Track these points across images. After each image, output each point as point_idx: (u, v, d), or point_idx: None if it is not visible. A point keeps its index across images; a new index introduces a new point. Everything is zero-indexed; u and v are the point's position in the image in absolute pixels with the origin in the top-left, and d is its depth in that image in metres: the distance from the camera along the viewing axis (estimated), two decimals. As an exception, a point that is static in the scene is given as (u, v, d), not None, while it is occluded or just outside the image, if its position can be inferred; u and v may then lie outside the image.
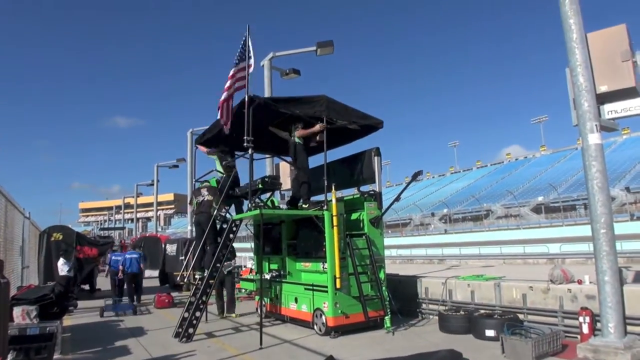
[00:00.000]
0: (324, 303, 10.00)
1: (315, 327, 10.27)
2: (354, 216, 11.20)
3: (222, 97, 10.77)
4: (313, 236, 11.01)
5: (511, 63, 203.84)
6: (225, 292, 13.37)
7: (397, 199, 11.16)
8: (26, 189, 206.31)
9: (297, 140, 11.31)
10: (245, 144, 10.05)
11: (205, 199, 11.95)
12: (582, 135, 7.50)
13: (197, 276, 11.25)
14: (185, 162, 30.22)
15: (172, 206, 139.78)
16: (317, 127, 10.85)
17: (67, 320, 12.25)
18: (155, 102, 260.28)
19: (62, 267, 15.22)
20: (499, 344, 7.76)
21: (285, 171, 14.47)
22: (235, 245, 11.76)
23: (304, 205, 10.96)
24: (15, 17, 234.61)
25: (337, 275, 9.78)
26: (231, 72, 10.82)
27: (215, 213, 11.73)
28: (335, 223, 10.00)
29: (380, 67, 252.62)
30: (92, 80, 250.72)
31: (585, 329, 7.67)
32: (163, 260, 23.74)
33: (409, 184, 12.36)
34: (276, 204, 12.60)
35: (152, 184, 42.74)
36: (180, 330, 10.02)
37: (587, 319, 7.68)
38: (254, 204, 10.71)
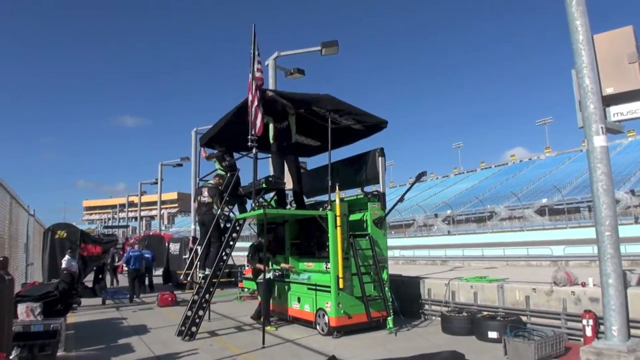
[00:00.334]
0: (327, 303, 10.01)
1: (317, 327, 10.27)
2: (358, 216, 11.19)
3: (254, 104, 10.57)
4: (316, 236, 11.01)
5: (516, 64, 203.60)
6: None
7: (401, 199, 11.16)
8: (31, 186, 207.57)
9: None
10: (249, 144, 10.05)
11: (206, 201, 11.90)
12: (587, 137, 7.47)
13: (200, 275, 11.25)
14: (189, 161, 30.32)
15: (176, 205, 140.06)
16: None
17: (71, 318, 12.29)
18: (160, 102, 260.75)
19: (65, 263, 15.27)
20: (502, 346, 7.75)
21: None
22: (238, 244, 11.75)
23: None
24: (19, 17, 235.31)
25: (340, 275, 9.79)
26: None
27: (219, 212, 11.73)
28: (338, 223, 10.00)
29: (384, 68, 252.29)
30: (97, 79, 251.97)
31: (589, 331, 7.65)
32: (167, 258, 23.82)
33: (413, 184, 12.37)
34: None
35: (156, 183, 42.82)
36: (183, 328, 10.04)
37: (591, 321, 7.66)
38: (257, 204, 10.72)
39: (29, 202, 14.49)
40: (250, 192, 11.04)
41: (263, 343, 9.02)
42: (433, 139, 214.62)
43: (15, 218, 12.04)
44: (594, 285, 8.44)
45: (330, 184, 10.45)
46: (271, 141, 11.45)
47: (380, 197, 11.22)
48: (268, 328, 11.13)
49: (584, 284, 8.75)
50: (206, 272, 11.14)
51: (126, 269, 20.31)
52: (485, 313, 9.74)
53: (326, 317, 9.97)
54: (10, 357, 6.16)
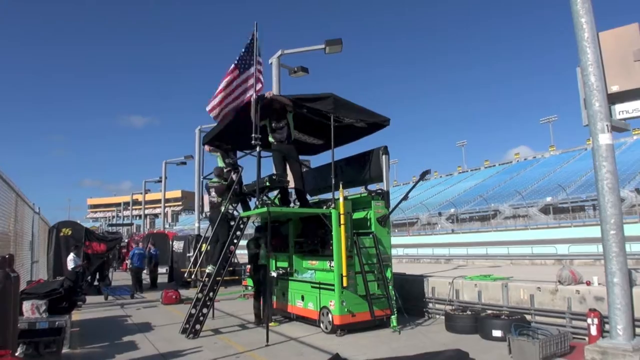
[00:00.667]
0: (331, 301, 10.01)
1: (321, 325, 10.27)
2: (361, 215, 11.19)
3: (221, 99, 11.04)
4: (320, 234, 11.01)
5: (520, 62, 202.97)
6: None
7: (405, 197, 11.15)
8: (36, 184, 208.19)
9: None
10: (253, 142, 10.06)
11: (215, 200, 12.00)
12: (592, 136, 7.43)
13: (208, 270, 11.23)
14: (193, 159, 30.33)
15: (180, 203, 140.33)
16: None
17: (76, 315, 12.31)
18: (165, 100, 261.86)
19: (69, 262, 15.36)
20: (506, 345, 7.73)
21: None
22: (242, 242, 11.77)
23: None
24: (25, 17, 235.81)
25: (344, 273, 9.79)
26: (241, 77, 11.01)
27: (223, 210, 11.75)
28: (342, 221, 10.00)
29: (388, 66, 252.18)
30: (102, 77, 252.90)
31: (594, 330, 7.62)
32: (171, 256, 23.86)
33: (417, 183, 12.34)
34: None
35: (160, 181, 42.90)
36: (187, 326, 10.06)
37: (596, 320, 7.63)
38: (261, 202, 10.72)
39: (34, 200, 14.49)
40: (253, 191, 11.05)
41: (267, 341, 9.03)
42: (437, 137, 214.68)
43: (21, 215, 12.05)
44: (599, 284, 8.42)
45: (334, 182, 10.45)
46: (271, 140, 11.44)
47: (384, 196, 11.21)
48: (271, 324, 11.22)
49: (588, 283, 8.73)
50: (208, 270, 11.19)
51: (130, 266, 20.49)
52: (489, 312, 9.74)
53: (330, 315, 9.97)
54: (16, 354, 6.18)
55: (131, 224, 64.61)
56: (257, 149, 10.27)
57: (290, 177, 11.53)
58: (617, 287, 6.98)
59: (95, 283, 19.61)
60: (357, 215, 11.11)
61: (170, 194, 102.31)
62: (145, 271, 23.22)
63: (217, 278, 10.61)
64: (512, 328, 7.85)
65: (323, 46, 15.93)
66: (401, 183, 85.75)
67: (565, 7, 7.76)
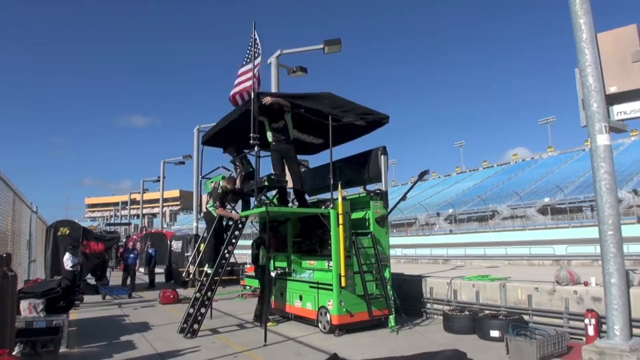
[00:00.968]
0: (329, 301, 10.01)
1: (319, 325, 10.27)
2: (360, 215, 11.19)
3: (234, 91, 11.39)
4: (319, 234, 11.02)
5: (518, 63, 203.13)
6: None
7: (404, 198, 11.15)
8: (35, 183, 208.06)
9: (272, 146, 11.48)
10: (251, 141, 10.06)
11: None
12: (590, 136, 7.45)
13: (208, 270, 11.22)
14: (192, 159, 30.34)
15: (178, 203, 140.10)
16: None
17: (73, 314, 12.30)
18: (165, 100, 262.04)
19: (66, 262, 15.36)
20: (504, 345, 7.73)
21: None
22: (240, 242, 11.76)
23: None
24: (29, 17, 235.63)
25: (342, 273, 9.79)
26: (241, 71, 11.14)
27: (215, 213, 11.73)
28: (341, 221, 10.00)
29: (386, 66, 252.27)
30: (102, 77, 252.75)
31: (591, 330, 7.63)
32: (169, 256, 23.85)
33: (415, 183, 12.36)
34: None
35: (158, 180, 42.89)
36: (185, 326, 10.05)
37: (593, 321, 7.64)
38: (259, 201, 10.72)
39: (33, 199, 14.52)
40: (252, 190, 11.05)
41: (265, 341, 9.03)
42: (435, 137, 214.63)
43: (18, 215, 12.06)
44: (597, 284, 8.43)
45: (332, 182, 10.46)
46: (270, 140, 11.44)
47: (383, 196, 11.22)
48: (269, 324, 11.21)
49: (586, 283, 8.74)
50: (207, 270, 11.19)
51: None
52: (487, 312, 9.75)
53: (328, 315, 9.97)
54: (13, 354, 6.18)
55: (129, 224, 64.53)
56: (256, 148, 10.26)
57: (288, 177, 11.52)
58: (615, 288, 6.99)
59: (93, 282, 19.58)
60: (356, 215, 11.11)
61: (168, 194, 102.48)
62: (143, 271, 23.23)
63: (215, 278, 10.60)
64: (509, 328, 7.86)
65: (322, 46, 15.92)
66: (400, 183, 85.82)
67: (563, 7, 7.78)
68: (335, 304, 9.84)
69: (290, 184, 11.68)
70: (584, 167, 53.27)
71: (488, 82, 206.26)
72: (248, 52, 11.32)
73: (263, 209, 10.07)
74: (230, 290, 17.75)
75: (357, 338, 9.50)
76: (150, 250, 22.95)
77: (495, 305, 10.00)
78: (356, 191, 12.45)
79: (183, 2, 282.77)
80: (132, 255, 19.13)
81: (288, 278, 11.85)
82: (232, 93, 11.71)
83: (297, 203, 11.77)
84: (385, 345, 8.86)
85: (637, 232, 28.13)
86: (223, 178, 12.34)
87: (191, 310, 10.19)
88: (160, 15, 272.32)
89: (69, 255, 15.66)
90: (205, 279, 10.88)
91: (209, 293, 10.43)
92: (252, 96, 10.34)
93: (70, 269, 15.46)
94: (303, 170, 13.82)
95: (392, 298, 10.55)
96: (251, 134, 10.03)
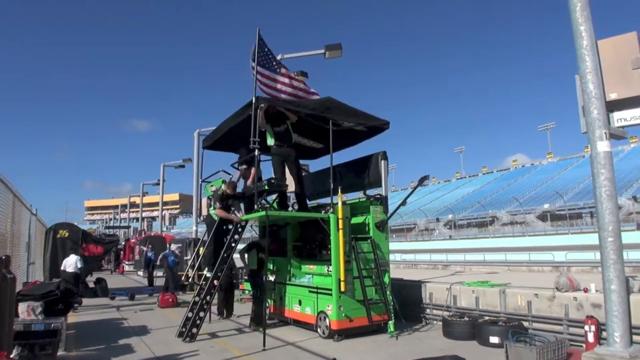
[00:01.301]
0: (328, 306, 9.99)
1: (318, 330, 10.25)
2: (360, 220, 11.18)
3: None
4: (318, 239, 11.01)
5: (518, 69, 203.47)
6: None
7: (403, 203, 11.16)
8: (36, 186, 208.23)
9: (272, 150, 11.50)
10: (251, 145, 10.07)
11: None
12: (590, 143, 7.45)
13: (207, 274, 11.20)
14: (192, 162, 30.33)
15: (178, 206, 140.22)
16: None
17: (72, 317, 12.27)
18: (165, 102, 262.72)
19: (75, 263, 15.28)
20: (503, 351, 7.70)
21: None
22: (240, 246, 11.77)
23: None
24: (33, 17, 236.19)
25: (342, 278, 9.77)
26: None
27: (216, 216, 11.73)
28: (340, 226, 9.99)
29: (387, 72, 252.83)
30: (102, 80, 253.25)
31: (591, 337, 7.62)
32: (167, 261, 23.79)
33: (415, 188, 12.36)
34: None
35: (158, 184, 42.90)
36: (183, 329, 10.02)
37: (593, 327, 7.63)
38: (259, 206, 10.71)
39: (32, 202, 14.50)
40: (252, 194, 11.05)
41: (264, 345, 9.00)
42: (435, 143, 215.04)
43: (18, 217, 12.05)
44: (597, 291, 8.42)
45: (332, 186, 10.45)
46: (271, 144, 11.47)
47: (383, 201, 11.21)
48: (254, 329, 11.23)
49: (586, 290, 8.72)
50: (206, 273, 11.17)
51: None
52: (486, 318, 9.72)
53: (327, 320, 9.95)
54: (11, 356, 6.16)
55: (128, 227, 64.46)
56: (256, 152, 10.27)
57: (289, 181, 11.52)
58: (615, 295, 6.98)
59: (92, 285, 19.55)
60: (356, 220, 11.10)
61: (168, 197, 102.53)
62: (142, 274, 23.24)
63: (215, 282, 10.58)
64: (509, 334, 7.84)
65: (323, 51, 15.97)
66: (399, 188, 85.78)
67: (563, 13, 7.82)
68: (334, 308, 9.82)
69: (291, 188, 11.68)
70: (583, 174, 53.33)
71: (488, 87, 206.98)
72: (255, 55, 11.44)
73: (263, 212, 10.07)
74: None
75: (356, 343, 9.47)
76: (149, 254, 22.94)
77: (495, 312, 9.98)
78: (356, 196, 12.43)
79: (184, 4, 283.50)
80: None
81: (287, 282, 11.84)
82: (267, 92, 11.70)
83: (297, 207, 11.79)
84: (384, 350, 8.85)
85: (637, 239, 28.11)
86: (223, 182, 12.34)
87: (190, 314, 10.17)
88: (161, 17, 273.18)
89: (76, 257, 15.57)
90: (204, 282, 10.86)
91: (208, 297, 10.41)
92: (253, 101, 10.34)
93: (77, 271, 15.38)
94: (303, 174, 13.83)
95: (392, 303, 10.53)
96: (251, 138, 10.03)
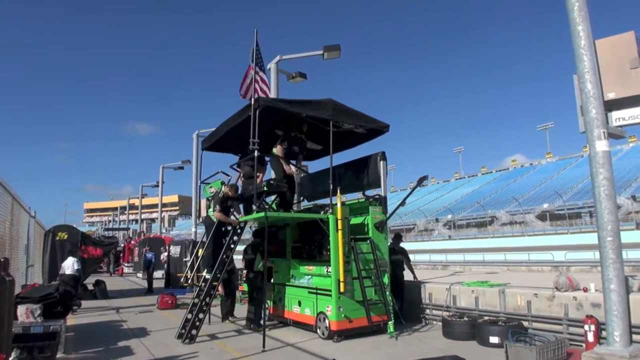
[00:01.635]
0: (328, 307, 9.99)
1: (318, 330, 10.24)
2: (359, 220, 11.17)
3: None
4: (317, 239, 11.00)
5: (517, 69, 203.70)
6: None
7: (402, 203, 11.16)
8: (35, 189, 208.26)
9: (274, 152, 11.54)
10: (250, 147, 10.07)
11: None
12: (589, 142, 7.46)
13: (206, 276, 11.17)
14: (191, 164, 30.31)
15: (177, 208, 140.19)
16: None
17: (71, 320, 12.25)
18: (164, 104, 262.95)
19: (74, 265, 15.21)
20: (503, 351, 7.69)
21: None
22: (239, 247, 11.76)
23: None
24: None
25: (341, 279, 9.75)
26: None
27: (215, 218, 11.71)
28: (340, 227, 9.98)
29: (386, 72, 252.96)
30: (104, 82, 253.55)
31: (591, 337, 7.62)
32: (167, 261, 23.81)
33: (414, 189, 12.36)
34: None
35: (157, 185, 42.88)
36: (183, 331, 10.01)
37: (593, 327, 7.64)
38: (258, 207, 10.69)
39: (30, 204, 14.50)
40: (251, 195, 11.04)
41: (263, 346, 8.99)
42: (434, 143, 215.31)
43: (17, 219, 12.03)
44: (596, 290, 8.42)
45: (331, 187, 10.45)
46: (275, 147, 11.53)
47: (382, 201, 11.21)
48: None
49: (585, 290, 8.72)
50: (205, 275, 11.15)
51: None
52: (486, 318, 9.72)
53: (327, 321, 9.94)
54: (10, 359, 6.15)
55: (127, 229, 64.44)
56: (255, 153, 10.26)
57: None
58: (614, 294, 6.98)
59: (91, 288, 19.52)
60: (355, 220, 11.10)
61: (167, 199, 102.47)
62: (141, 275, 23.20)
63: (214, 283, 10.58)
64: (509, 334, 7.83)
65: (321, 52, 15.96)
66: (399, 189, 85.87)
67: (562, 13, 7.80)
68: (334, 309, 9.81)
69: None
70: (582, 173, 53.45)
71: (487, 88, 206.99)
72: (253, 56, 11.57)
73: (262, 214, 10.06)
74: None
75: (355, 344, 9.46)
76: (148, 255, 22.90)
77: (495, 312, 9.98)
78: (355, 197, 12.43)
79: (183, 7, 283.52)
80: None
81: (287, 283, 11.83)
82: (245, 89, 12.14)
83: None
84: (383, 351, 8.85)
85: (636, 238, 28.14)
86: (222, 183, 12.33)
87: (189, 316, 10.16)
88: (161, 19, 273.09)
89: (74, 259, 15.50)
90: (203, 284, 10.85)
91: (207, 298, 10.41)
92: (252, 102, 10.34)
93: (75, 273, 15.27)
94: (302, 175, 13.83)
95: (391, 304, 10.52)
96: (251, 139, 10.03)
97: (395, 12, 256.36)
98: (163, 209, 48.82)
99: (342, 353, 8.61)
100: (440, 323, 10.30)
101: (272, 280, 12.37)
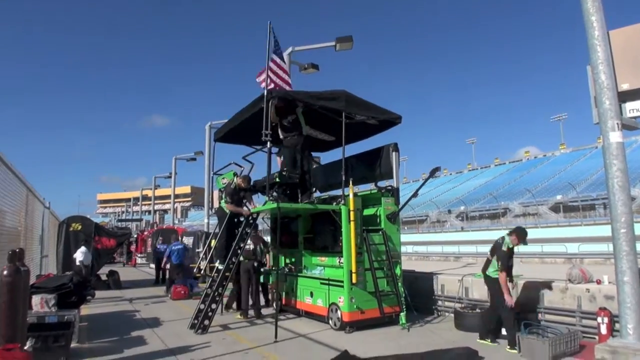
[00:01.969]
0: (340, 298, 10.01)
1: (330, 321, 10.28)
2: (371, 211, 11.16)
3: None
4: (330, 231, 11.01)
5: (531, 60, 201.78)
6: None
7: (415, 194, 11.12)
8: (48, 179, 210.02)
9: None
10: (263, 138, 10.08)
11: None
12: (603, 134, 7.39)
13: (219, 267, 11.21)
14: (203, 155, 30.40)
15: (189, 199, 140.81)
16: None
17: (85, 310, 12.39)
18: (178, 96, 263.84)
19: (79, 254, 15.31)
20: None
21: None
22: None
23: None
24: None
25: (354, 270, 9.76)
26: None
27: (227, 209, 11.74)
28: (352, 218, 9.98)
29: (398, 63, 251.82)
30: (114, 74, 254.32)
31: (604, 329, 7.58)
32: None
33: (426, 180, 12.30)
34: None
35: (170, 177, 43.09)
36: (195, 321, 10.08)
37: (606, 319, 7.60)
38: (271, 198, 10.72)
39: (45, 195, 14.62)
40: (263, 187, 11.07)
41: (275, 337, 9.05)
42: (447, 134, 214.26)
43: (31, 210, 12.16)
44: (609, 282, 8.37)
45: (344, 178, 10.44)
46: (281, 137, 11.55)
47: (394, 192, 11.18)
48: (238, 316, 11.70)
49: (599, 282, 8.67)
50: (218, 266, 11.20)
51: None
52: (498, 310, 9.67)
53: (339, 312, 9.97)
54: (25, 348, 6.23)
55: (140, 220, 64.86)
56: (268, 144, 10.28)
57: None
58: (628, 286, 6.93)
59: (104, 278, 19.69)
60: (367, 212, 11.09)
61: (179, 190, 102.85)
62: (152, 266, 23.25)
63: (226, 274, 10.63)
64: (522, 326, 7.83)
65: (333, 43, 15.93)
66: (411, 180, 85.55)
67: (575, 4, 7.70)
68: (346, 300, 9.84)
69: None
70: (596, 165, 52.96)
71: (500, 79, 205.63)
72: (269, 48, 11.64)
73: (274, 205, 10.08)
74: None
75: (367, 335, 9.49)
76: (160, 246, 22.96)
77: (507, 303, 9.93)
78: (367, 188, 12.41)
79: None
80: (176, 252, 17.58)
81: (299, 274, 11.88)
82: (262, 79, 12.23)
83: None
84: (396, 342, 8.85)
85: (650, 230, 27.82)
86: (235, 174, 12.37)
87: (202, 306, 10.22)
88: (171, 10, 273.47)
89: (84, 249, 15.55)
90: (216, 275, 10.91)
91: (220, 289, 10.47)
92: (265, 94, 10.34)
93: (79, 264, 15.30)
94: (314, 167, 13.83)
95: (403, 295, 10.53)
96: (263, 131, 10.04)
97: (408, 1, 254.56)
98: (176, 200, 49.03)
99: (354, 344, 8.61)
100: (453, 315, 10.29)
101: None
